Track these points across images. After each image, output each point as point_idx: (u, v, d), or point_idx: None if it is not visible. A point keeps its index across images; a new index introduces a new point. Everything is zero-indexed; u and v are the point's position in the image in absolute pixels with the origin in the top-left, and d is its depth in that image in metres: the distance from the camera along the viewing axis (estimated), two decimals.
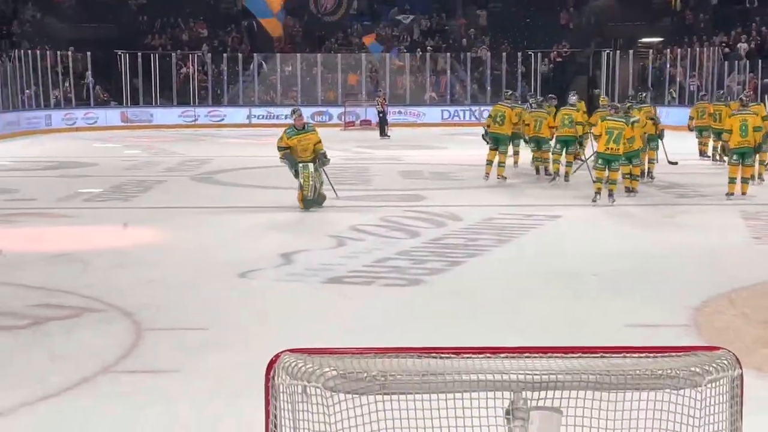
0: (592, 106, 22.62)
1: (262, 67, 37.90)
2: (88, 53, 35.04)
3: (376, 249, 10.77)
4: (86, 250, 10.73)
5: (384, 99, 31.58)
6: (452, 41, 40.24)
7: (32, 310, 7.96)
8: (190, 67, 36.96)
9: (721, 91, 25.06)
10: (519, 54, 37.35)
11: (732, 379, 2.63)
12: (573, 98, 18.00)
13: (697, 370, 2.59)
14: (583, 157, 17.57)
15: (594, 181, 14.81)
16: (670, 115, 27.96)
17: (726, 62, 31.57)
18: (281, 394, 2.67)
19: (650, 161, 17.09)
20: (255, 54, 37.86)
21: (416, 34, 40.59)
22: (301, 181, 13.42)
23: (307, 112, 34.70)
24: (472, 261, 10.15)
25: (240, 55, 37.51)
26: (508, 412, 2.58)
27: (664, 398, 2.64)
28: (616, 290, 8.78)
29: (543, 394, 2.58)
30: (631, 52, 35.81)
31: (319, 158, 13.59)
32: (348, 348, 2.71)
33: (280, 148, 13.67)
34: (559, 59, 38.92)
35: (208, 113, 36.12)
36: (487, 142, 17.23)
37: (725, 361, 2.63)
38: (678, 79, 33.61)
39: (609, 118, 14.60)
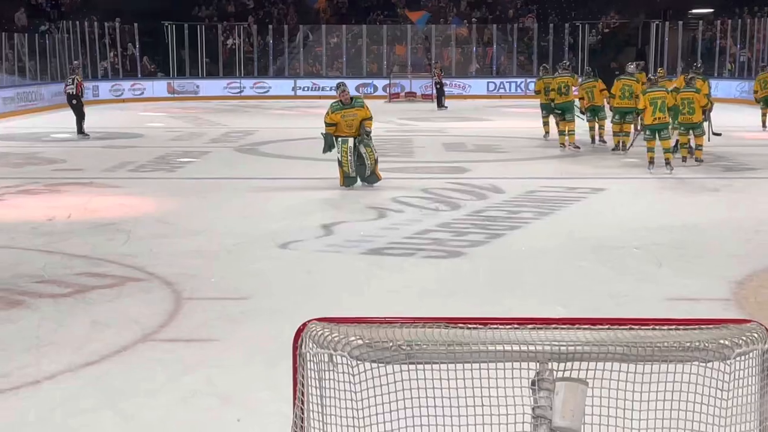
0: None
1: (308, 38, 37.90)
2: (135, 24, 35.26)
3: (417, 221, 10.76)
4: (130, 220, 10.84)
5: (440, 71, 31.84)
6: (499, 12, 39.91)
7: (76, 279, 8.07)
8: (236, 38, 37.06)
9: None
10: (566, 25, 36.96)
11: (762, 353, 2.60)
12: (632, 67, 17.95)
13: (727, 342, 2.56)
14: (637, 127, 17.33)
15: (647, 151, 14.96)
16: (719, 87, 27.55)
17: None
18: (308, 363, 2.69)
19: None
20: (300, 25, 37.86)
21: (463, 6, 40.31)
22: (340, 156, 12.81)
23: (351, 84, 34.88)
24: (513, 234, 10.11)
25: (286, 26, 37.53)
26: (533, 383, 2.57)
27: (692, 371, 2.61)
28: (657, 263, 8.70)
29: (569, 365, 2.56)
30: (680, 23, 35.27)
31: (362, 131, 12.87)
32: (374, 317, 2.72)
33: (326, 124, 13.01)
34: (607, 30, 38.45)
35: (254, 85, 36.23)
36: (583, 119, 17.82)
37: (755, 334, 2.59)
38: (729, 51, 33.07)
39: (649, 90, 14.88)
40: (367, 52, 37.50)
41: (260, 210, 11.63)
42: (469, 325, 2.64)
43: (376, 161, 12.97)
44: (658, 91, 14.72)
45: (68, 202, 12.14)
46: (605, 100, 17.66)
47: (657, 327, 2.60)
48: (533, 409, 2.56)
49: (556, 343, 2.56)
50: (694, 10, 36.95)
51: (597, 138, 18.18)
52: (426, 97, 33.70)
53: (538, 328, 2.62)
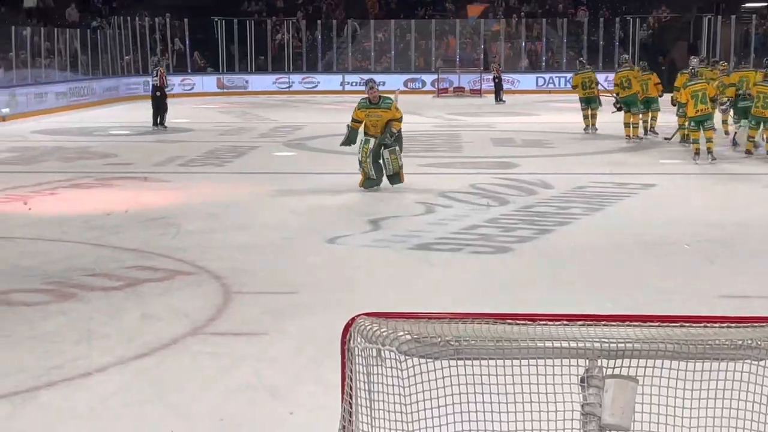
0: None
1: (356, 32, 37.95)
2: (186, 20, 35.54)
3: (465, 216, 10.73)
4: (180, 214, 10.94)
5: (499, 65, 32.09)
6: (548, 7, 39.65)
7: (127, 272, 8.16)
8: (285, 33, 37.21)
9: None
10: (617, 19, 36.63)
11: None
12: (694, 61, 18.11)
13: None
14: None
15: (691, 143, 15.52)
16: None
17: None
18: (356, 357, 2.70)
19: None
20: (349, 20, 37.92)
21: (512, 0, 40.09)
22: (360, 157, 12.33)
23: (399, 78, 35.02)
24: (561, 229, 10.05)
25: (334, 21, 37.61)
26: (583, 380, 2.56)
27: (744, 369, 2.58)
28: (709, 260, 8.61)
29: (619, 362, 2.55)
30: (733, 17, 34.78)
31: (385, 132, 12.21)
32: (422, 312, 2.72)
33: (352, 119, 12.53)
34: (658, 25, 38.03)
35: (302, 80, 36.36)
36: (619, 109, 18.42)
37: None
38: None
39: (689, 83, 15.38)
40: (416, 47, 37.46)
41: (308, 205, 11.67)
42: (518, 321, 2.63)
43: (400, 167, 12.41)
44: (699, 84, 15.21)
45: (119, 197, 12.28)
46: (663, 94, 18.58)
47: (708, 324, 2.58)
48: (582, 406, 2.55)
49: (606, 340, 2.55)
50: (748, 4, 36.43)
51: (649, 129, 18.65)
52: (474, 92, 33.62)
53: (588, 325, 2.60)
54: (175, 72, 35.20)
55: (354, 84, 35.50)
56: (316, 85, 36.05)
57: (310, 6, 39.62)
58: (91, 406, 5.21)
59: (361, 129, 12.50)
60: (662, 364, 2.56)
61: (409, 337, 2.61)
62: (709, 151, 15.01)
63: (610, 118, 19.26)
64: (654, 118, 18.68)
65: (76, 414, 5.12)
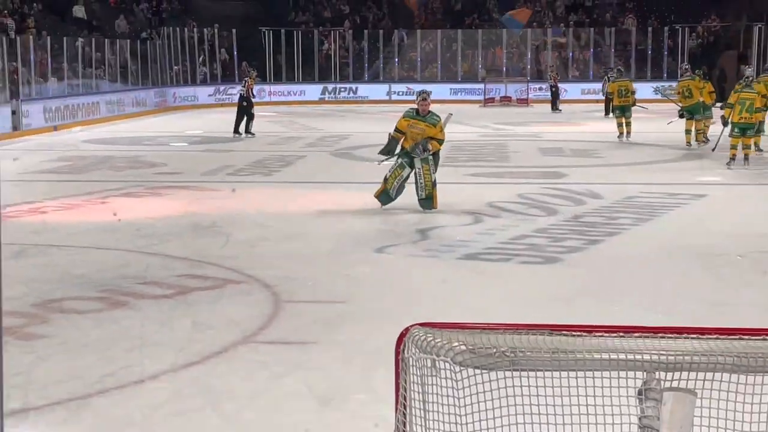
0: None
1: (403, 42, 38.01)
2: (233, 30, 35.82)
3: (513, 226, 10.69)
4: (229, 223, 11.01)
5: (556, 74, 32.21)
6: (596, 16, 39.43)
7: (177, 281, 8.22)
8: (332, 43, 37.36)
9: None
10: (666, 29, 36.32)
11: None
12: (748, 71, 18.22)
13: None
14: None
15: (730, 148, 15.70)
16: None
17: None
18: (411, 368, 2.70)
19: None
20: (396, 30, 37.99)
21: (559, 10, 39.92)
22: (388, 173, 11.60)
23: (445, 88, 35.00)
24: (611, 240, 9.98)
25: (381, 31, 37.71)
26: (640, 393, 2.53)
27: None
28: (762, 271, 8.49)
29: (677, 375, 2.52)
30: None
31: (419, 143, 11.38)
32: (478, 323, 2.71)
33: (395, 129, 11.72)
34: (707, 34, 37.65)
35: (349, 89, 36.46)
36: (681, 116, 18.97)
37: None
38: None
39: (741, 90, 15.77)
40: (462, 57, 37.43)
41: (356, 214, 11.69)
42: (574, 332, 2.61)
43: (433, 184, 11.46)
44: (749, 92, 15.59)
45: (169, 205, 12.39)
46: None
47: None
48: (640, 419, 2.52)
49: (664, 352, 2.52)
50: None
51: (703, 136, 18.87)
52: (521, 102, 33.52)
53: (645, 337, 2.58)
54: (223, 81, 35.46)
55: (400, 94, 35.55)
56: (363, 95, 36.14)
57: (357, 16, 39.75)
58: (144, 414, 5.26)
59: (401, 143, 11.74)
60: (721, 377, 2.53)
61: (464, 347, 2.60)
62: (746, 157, 15.45)
63: (653, 128, 19.25)
64: (707, 126, 18.87)
65: (129, 421, 5.17)
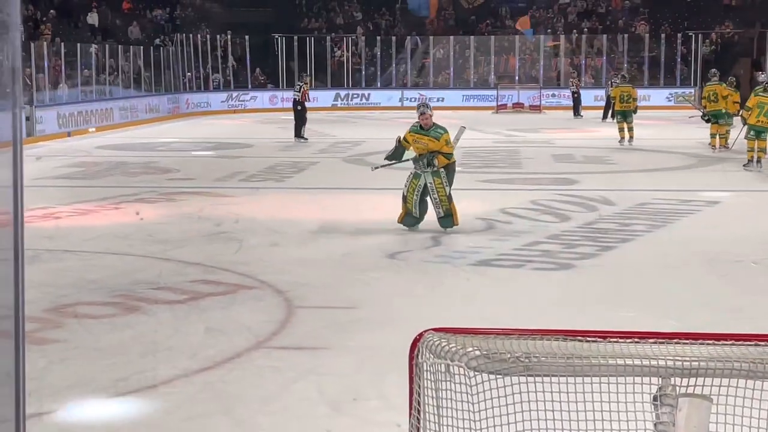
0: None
1: (415, 49, 38.03)
2: (246, 37, 35.90)
3: (526, 232, 10.68)
4: (242, 229, 11.03)
5: (578, 80, 32.42)
6: (609, 23, 39.37)
7: (190, 286, 8.24)
8: (345, 50, 37.40)
9: None
10: (679, 35, 36.25)
11: None
12: (762, 76, 18.18)
13: None
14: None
15: (747, 150, 16.16)
16: None
17: None
18: (425, 372, 2.70)
19: None
20: (408, 37, 38.02)
21: (571, 17, 39.88)
22: (405, 191, 10.86)
23: (457, 94, 35.03)
24: (624, 246, 9.95)
25: (393, 37, 37.74)
26: (655, 399, 2.53)
27: None
28: None
29: (692, 381, 2.51)
30: None
31: (423, 156, 10.71)
32: (492, 328, 2.71)
33: (404, 138, 11.02)
34: (720, 40, 37.55)
35: (361, 96, 36.49)
36: (707, 121, 19.35)
37: None
38: None
39: (761, 93, 16.04)
40: (475, 63, 37.43)
41: (368, 220, 11.69)
42: (588, 338, 2.61)
43: (448, 198, 10.68)
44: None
45: (182, 211, 12.42)
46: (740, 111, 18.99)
47: None
48: (655, 425, 2.52)
49: (679, 358, 2.52)
50: None
51: (719, 145, 19.12)
52: (534, 108, 33.48)
53: (660, 343, 2.57)
54: (236, 88, 35.54)
55: (413, 100, 35.50)
56: (375, 102, 36.17)
57: (369, 23, 39.80)
58: (157, 419, 5.27)
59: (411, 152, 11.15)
60: (737, 383, 2.52)
61: (478, 352, 2.60)
62: (759, 160, 15.85)
63: (665, 134, 19.22)
64: (728, 132, 19.15)
65: (142, 426, 5.17)
